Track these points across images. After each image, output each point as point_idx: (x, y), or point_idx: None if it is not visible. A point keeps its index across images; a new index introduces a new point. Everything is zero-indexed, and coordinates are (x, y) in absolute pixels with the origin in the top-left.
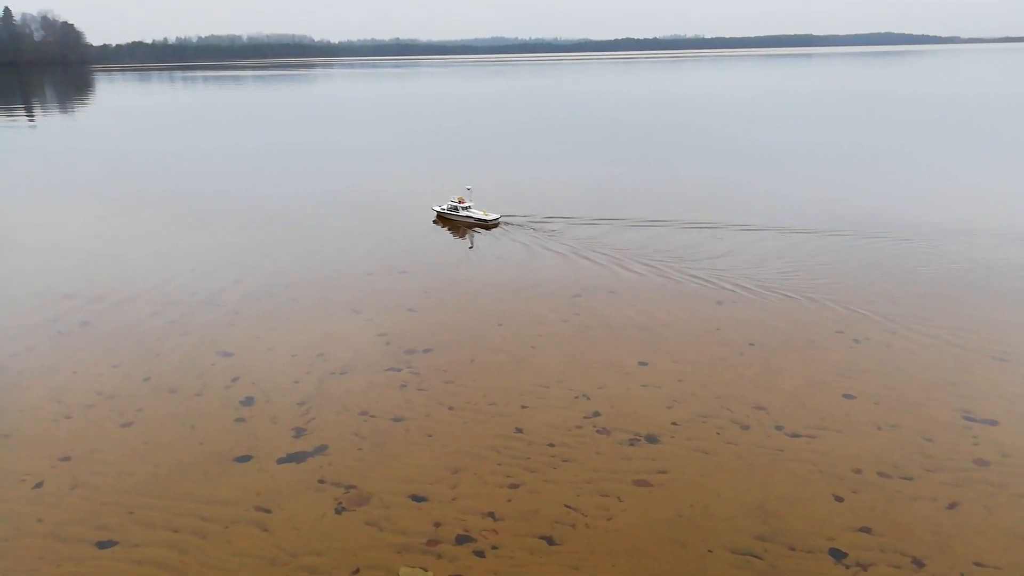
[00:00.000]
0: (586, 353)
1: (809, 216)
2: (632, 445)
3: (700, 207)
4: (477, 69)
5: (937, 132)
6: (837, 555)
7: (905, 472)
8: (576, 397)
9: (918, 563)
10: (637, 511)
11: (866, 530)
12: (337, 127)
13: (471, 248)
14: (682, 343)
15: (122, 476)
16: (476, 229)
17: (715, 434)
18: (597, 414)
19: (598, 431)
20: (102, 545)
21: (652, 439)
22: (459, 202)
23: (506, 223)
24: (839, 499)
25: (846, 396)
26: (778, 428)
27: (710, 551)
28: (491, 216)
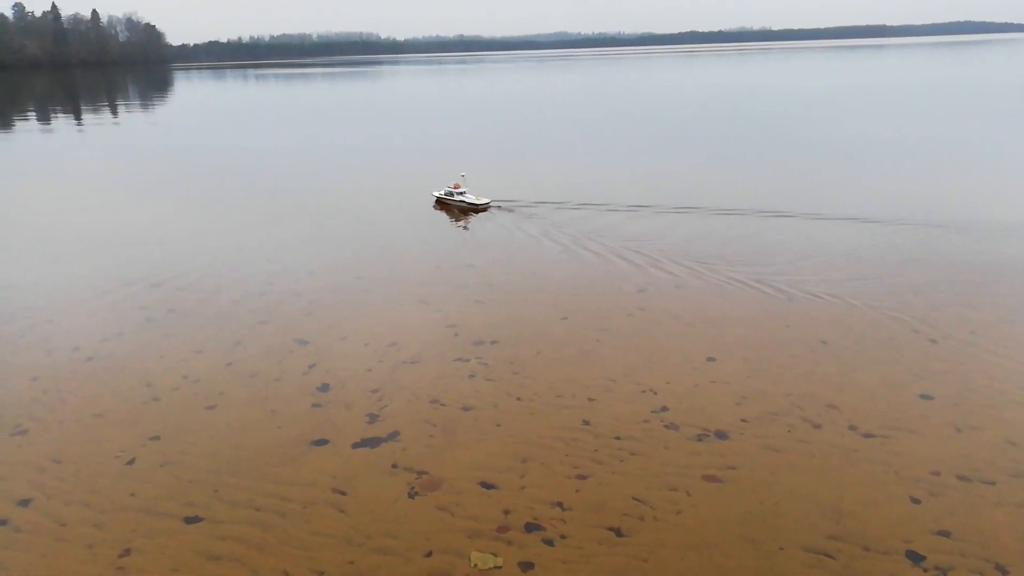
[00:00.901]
0: (652, 348)
1: (887, 210)
2: (701, 441)
3: (771, 199)
4: (540, 64)
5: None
6: (915, 558)
7: (987, 476)
8: (643, 391)
9: (1002, 570)
10: (706, 506)
11: (945, 533)
12: (407, 122)
13: (466, 230)
14: (751, 340)
15: (207, 456)
16: (469, 213)
17: (786, 432)
18: (665, 409)
19: (666, 426)
20: (189, 520)
21: (721, 435)
22: (455, 188)
23: (497, 207)
24: (916, 501)
25: (923, 396)
26: (851, 428)
27: (781, 549)
28: (482, 200)
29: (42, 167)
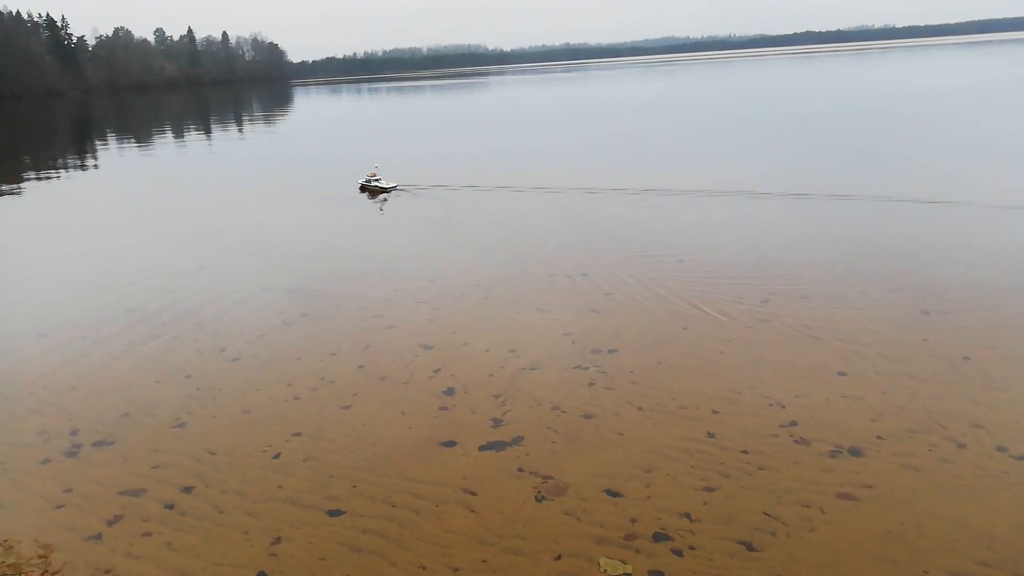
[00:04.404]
0: (778, 360)
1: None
2: (834, 457)
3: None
4: (648, 70)
5: None
6: None
7: None
8: (770, 405)
9: None
10: (842, 524)
11: None
12: (523, 131)
13: (382, 212)
14: (885, 353)
15: (345, 453)
16: (382, 196)
17: (927, 451)
18: (794, 423)
19: (796, 441)
20: (332, 513)
21: (856, 452)
22: (371, 176)
23: (402, 189)
24: None
25: None
26: (1000, 449)
27: (926, 572)
28: (389, 184)
29: (181, 175)
